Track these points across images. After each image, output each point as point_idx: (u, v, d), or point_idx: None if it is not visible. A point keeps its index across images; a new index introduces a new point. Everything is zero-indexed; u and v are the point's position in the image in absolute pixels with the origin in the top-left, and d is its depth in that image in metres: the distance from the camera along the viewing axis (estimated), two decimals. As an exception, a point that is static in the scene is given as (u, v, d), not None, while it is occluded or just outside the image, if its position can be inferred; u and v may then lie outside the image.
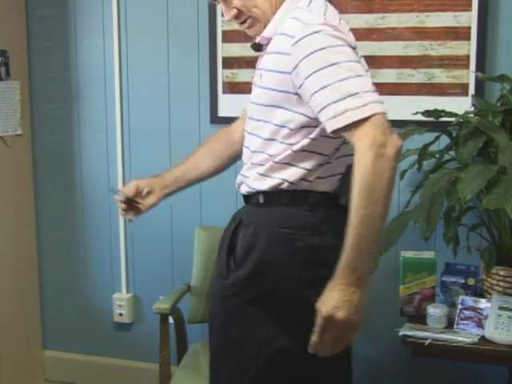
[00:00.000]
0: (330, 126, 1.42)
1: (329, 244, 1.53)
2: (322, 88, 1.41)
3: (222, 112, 2.66)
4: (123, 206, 1.86)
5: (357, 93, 1.39)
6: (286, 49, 1.49)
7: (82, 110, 2.90)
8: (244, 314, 1.57)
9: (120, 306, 2.93)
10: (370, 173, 1.35)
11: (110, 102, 2.84)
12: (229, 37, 2.59)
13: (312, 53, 1.43)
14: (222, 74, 2.64)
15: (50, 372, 3.12)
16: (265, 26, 1.61)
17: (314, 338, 1.42)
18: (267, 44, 1.62)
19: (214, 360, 1.68)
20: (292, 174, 1.55)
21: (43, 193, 3.02)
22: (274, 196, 1.57)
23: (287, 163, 1.55)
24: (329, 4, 1.58)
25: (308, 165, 1.54)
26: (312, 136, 1.52)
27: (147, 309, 2.85)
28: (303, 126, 1.52)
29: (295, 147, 1.53)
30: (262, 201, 1.59)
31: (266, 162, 1.58)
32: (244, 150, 1.69)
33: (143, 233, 2.88)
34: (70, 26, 2.86)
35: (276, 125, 1.55)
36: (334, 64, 1.41)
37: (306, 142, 1.53)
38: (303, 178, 1.55)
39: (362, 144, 1.37)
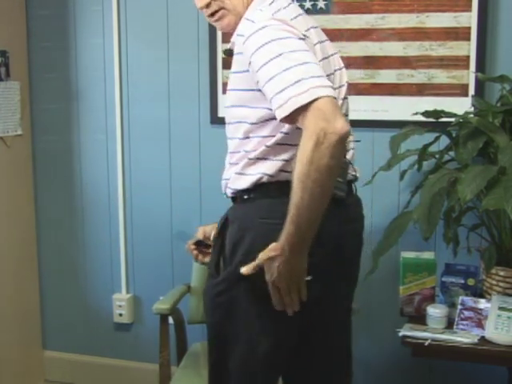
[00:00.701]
0: (278, 116, 1.45)
1: (319, 233, 1.54)
2: (269, 80, 1.46)
3: (222, 112, 2.66)
4: (193, 247, 1.87)
5: (299, 80, 1.42)
6: (241, 48, 1.54)
7: (82, 111, 2.90)
8: (236, 309, 1.59)
9: (120, 306, 2.93)
10: (308, 161, 1.37)
11: (110, 103, 2.84)
12: (229, 37, 2.58)
13: (259, 47, 1.48)
14: (222, 74, 2.64)
15: (49, 372, 3.12)
16: (235, 22, 1.65)
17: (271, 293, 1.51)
18: None
19: (214, 358, 1.69)
20: (269, 166, 1.58)
21: (43, 193, 3.02)
22: (257, 191, 1.60)
23: (262, 158, 1.58)
24: (292, 3, 1.63)
25: (285, 156, 1.57)
26: (284, 130, 1.54)
27: (147, 309, 2.85)
28: (270, 119, 1.54)
29: (269, 142, 1.56)
30: (245, 197, 1.62)
31: (241, 159, 1.61)
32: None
33: (143, 233, 2.88)
34: (69, 27, 2.86)
35: (246, 123, 1.58)
36: (279, 55, 1.45)
37: (279, 136, 1.56)
38: (282, 169, 1.57)
39: (304, 132, 1.40)
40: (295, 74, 1.42)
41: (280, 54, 1.45)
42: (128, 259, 2.92)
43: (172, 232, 2.82)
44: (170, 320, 2.36)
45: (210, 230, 1.86)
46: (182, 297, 2.43)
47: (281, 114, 1.44)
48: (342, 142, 1.38)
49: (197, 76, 2.71)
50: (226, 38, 2.59)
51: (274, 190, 1.58)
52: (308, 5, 2.49)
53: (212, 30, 2.62)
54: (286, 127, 1.55)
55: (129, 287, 2.94)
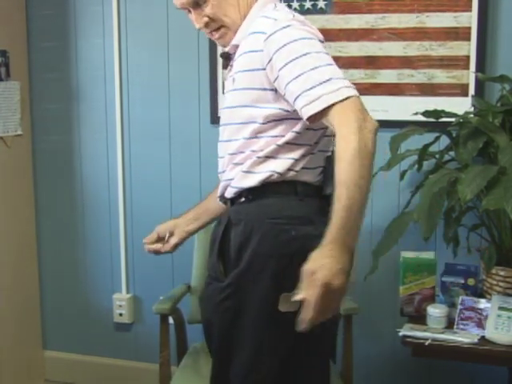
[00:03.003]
0: (306, 113, 1.44)
1: (320, 233, 1.52)
2: (295, 77, 1.45)
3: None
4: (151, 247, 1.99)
5: (329, 79, 1.43)
6: (259, 45, 1.53)
7: (82, 110, 2.90)
8: (244, 313, 1.56)
9: (120, 306, 2.93)
10: (357, 141, 1.36)
11: (110, 102, 2.84)
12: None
13: (284, 45, 1.48)
14: (222, 74, 2.64)
15: (50, 372, 3.12)
16: (234, 36, 1.65)
17: (308, 313, 1.30)
18: (235, 52, 1.65)
19: (217, 365, 1.64)
20: (279, 164, 1.57)
21: (43, 193, 3.02)
22: (260, 190, 1.58)
23: (272, 157, 1.57)
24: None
25: (293, 155, 1.57)
26: (296, 129, 1.55)
27: (147, 309, 2.85)
28: (282, 119, 1.55)
29: (280, 141, 1.56)
30: (250, 197, 1.60)
31: (248, 158, 1.59)
32: (219, 160, 1.70)
33: (143, 233, 2.87)
34: (69, 26, 2.86)
35: (255, 122, 1.57)
36: (305, 54, 1.46)
37: (290, 135, 1.56)
38: (290, 168, 1.57)
39: (344, 119, 1.39)
40: (324, 74, 1.44)
41: (307, 54, 1.46)
42: (128, 259, 2.92)
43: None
44: (170, 320, 2.36)
45: (163, 231, 1.98)
46: (181, 297, 2.43)
47: (311, 110, 1.43)
48: (376, 133, 1.40)
49: (197, 76, 2.71)
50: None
51: (275, 189, 1.57)
52: (308, 5, 2.49)
53: (212, 30, 2.62)
54: (298, 127, 1.55)
55: (129, 287, 2.94)
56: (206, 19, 1.63)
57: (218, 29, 1.66)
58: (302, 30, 1.51)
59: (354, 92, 1.43)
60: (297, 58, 1.46)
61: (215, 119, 2.68)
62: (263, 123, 1.56)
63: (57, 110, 2.93)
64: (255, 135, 1.58)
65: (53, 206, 3.01)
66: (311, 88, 1.43)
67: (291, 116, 1.54)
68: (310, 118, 1.45)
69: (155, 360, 2.39)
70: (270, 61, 1.50)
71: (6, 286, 2.85)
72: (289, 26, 1.51)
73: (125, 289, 2.94)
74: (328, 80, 1.43)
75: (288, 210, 1.55)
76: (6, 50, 2.78)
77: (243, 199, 1.62)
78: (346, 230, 1.34)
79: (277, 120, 1.56)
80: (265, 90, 1.54)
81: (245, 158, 1.60)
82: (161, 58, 2.75)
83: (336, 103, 1.41)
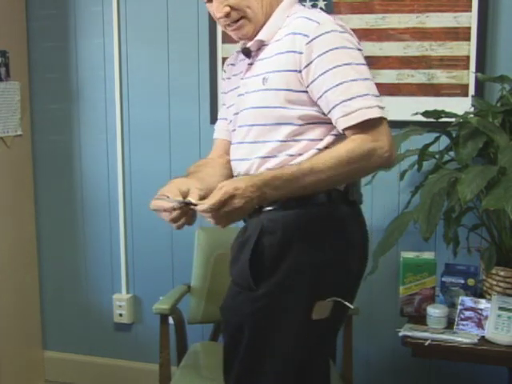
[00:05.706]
0: (343, 124, 1.48)
1: (353, 240, 1.59)
2: (335, 86, 1.48)
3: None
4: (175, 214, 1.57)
5: (366, 94, 1.47)
6: (299, 47, 1.52)
7: (82, 111, 2.90)
8: (280, 321, 1.54)
9: (120, 306, 2.93)
10: (356, 157, 1.45)
11: (110, 103, 2.84)
12: (229, 37, 2.55)
13: (327, 51, 1.49)
14: (222, 75, 2.64)
15: (49, 372, 3.12)
16: (253, 31, 1.63)
17: (211, 202, 1.43)
18: (258, 49, 1.64)
19: (247, 371, 1.59)
20: None
21: (43, 193, 3.02)
22: (294, 198, 1.54)
23: None
24: None
25: None
26: (335, 132, 1.55)
27: (147, 309, 2.85)
28: (320, 122, 1.55)
29: (320, 145, 1.55)
30: (282, 203, 1.55)
31: (285, 163, 1.55)
32: (239, 162, 1.66)
33: (143, 233, 2.88)
34: (69, 27, 2.86)
35: (291, 124, 1.55)
36: (346, 64, 1.48)
37: (330, 139, 1.56)
38: None
39: (368, 137, 1.46)
40: (362, 88, 1.48)
41: (348, 64, 1.49)
42: (128, 259, 2.92)
43: (172, 232, 2.82)
44: (170, 320, 2.36)
45: (185, 188, 1.56)
46: (181, 297, 2.43)
47: (348, 122, 1.47)
48: (388, 162, 1.49)
49: (197, 76, 2.71)
50: (227, 38, 2.59)
51: (316, 196, 1.55)
52: (308, 5, 2.49)
53: (212, 30, 2.62)
54: (336, 130, 1.54)
55: (129, 287, 2.94)
56: (227, 9, 1.59)
57: (237, 20, 1.62)
58: (344, 39, 1.52)
59: (384, 114, 1.47)
60: (338, 66, 1.48)
61: (215, 119, 2.67)
62: (300, 125, 1.55)
63: (57, 110, 2.93)
64: (292, 138, 1.55)
65: (53, 206, 3.01)
66: (350, 99, 1.46)
67: (328, 120, 1.54)
68: (345, 130, 1.49)
69: (155, 360, 2.39)
70: (309, 64, 1.50)
71: (6, 286, 2.85)
72: (332, 31, 1.51)
73: (125, 289, 2.94)
74: (365, 95, 1.47)
75: (325, 218, 1.56)
76: (6, 50, 2.78)
77: (274, 206, 1.57)
78: (276, 187, 1.44)
79: (314, 123, 1.55)
80: (302, 92, 1.54)
81: (281, 162, 1.56)
82: (161, 58, 2.75)
83: (370, 120, 1.45)
